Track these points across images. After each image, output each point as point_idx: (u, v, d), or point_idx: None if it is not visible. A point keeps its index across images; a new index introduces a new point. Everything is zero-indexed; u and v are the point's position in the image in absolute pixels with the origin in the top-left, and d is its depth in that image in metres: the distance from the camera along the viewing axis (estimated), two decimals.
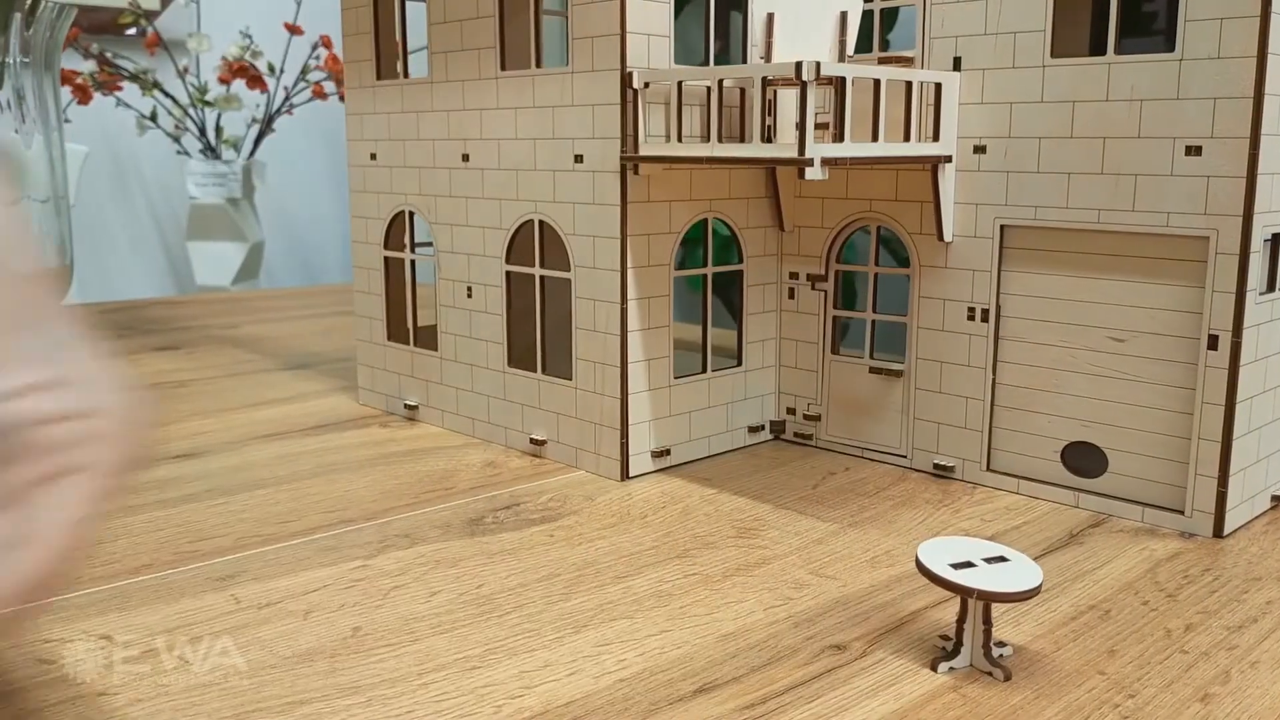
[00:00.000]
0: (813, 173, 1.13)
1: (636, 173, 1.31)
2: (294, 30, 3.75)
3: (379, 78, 1.62)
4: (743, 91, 1.37)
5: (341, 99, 3.71)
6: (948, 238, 1.33)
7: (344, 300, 3.01)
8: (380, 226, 1.65)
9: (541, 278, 1.43)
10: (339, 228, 4.45)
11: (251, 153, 3.87)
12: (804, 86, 1.12)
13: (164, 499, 1.30)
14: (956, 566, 0.90)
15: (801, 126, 1.13)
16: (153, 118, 3.70)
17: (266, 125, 3.84)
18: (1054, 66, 1.23)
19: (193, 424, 1.64)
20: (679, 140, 1.26)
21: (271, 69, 3.77)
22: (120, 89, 3.63)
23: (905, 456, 1.42)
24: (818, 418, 1.50)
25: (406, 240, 1.63)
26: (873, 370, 1.44)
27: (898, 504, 1.29)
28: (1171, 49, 1.15)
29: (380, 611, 1.00)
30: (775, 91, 1.33)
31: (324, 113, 3.97)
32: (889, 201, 1.38)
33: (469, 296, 1.53)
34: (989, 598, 0.87)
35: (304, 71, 3.79)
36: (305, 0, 3.75)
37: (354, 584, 1.06)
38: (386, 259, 1.66)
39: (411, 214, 1.61)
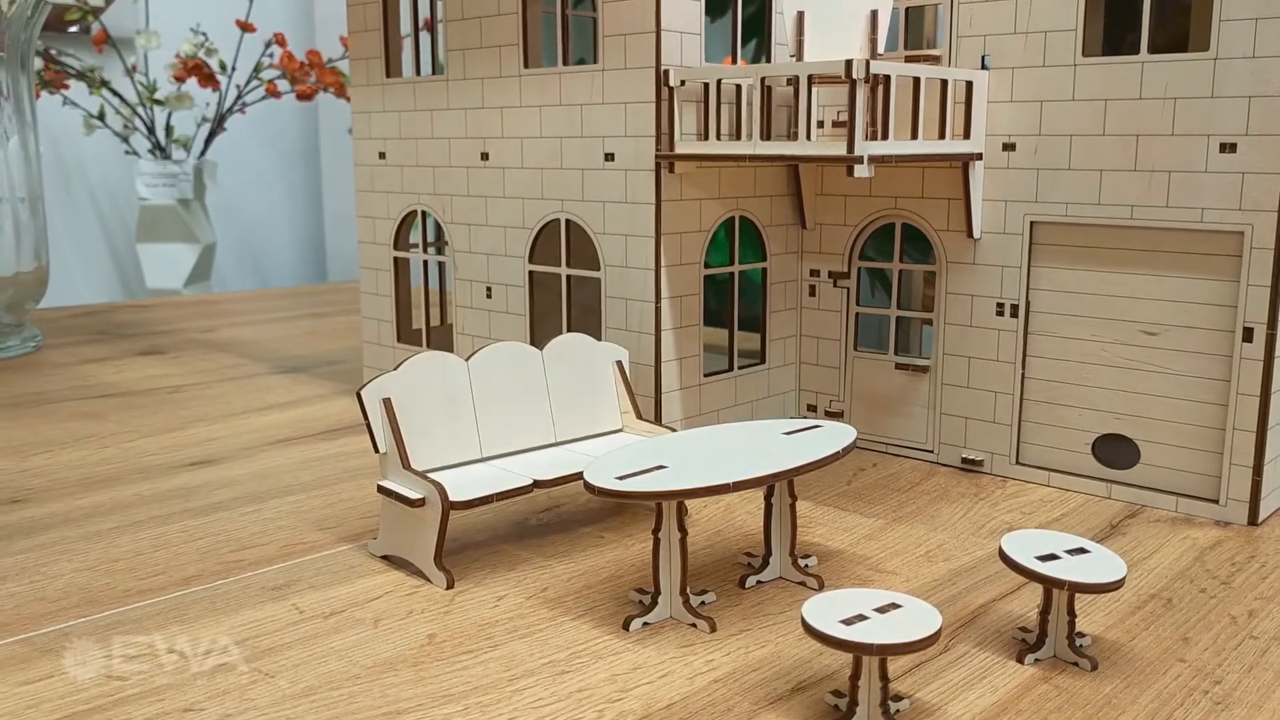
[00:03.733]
0: (861, 170, 1.14)
1: (672, 171, 1.30)
2: (246, 28, 3.67)
3: (388, 75, 1.59)
4: (769, 90, 1.36)
5: (300, 97, 3.66)
6: (977, 234, 1.34)
7: (315, 302, 2.97)
8: (390, 227, 1.63)
9: (568, 277, 1.42)
10: (291, 229, 4.38)
11: (202, 152, 3.79)
12: (853, 85, 1.13)
13: (192, 508, 1.27)
14: (1042, 559, 0.91)
15: (851, 124, 1.14)
16: (100, 117, 3.60)
17: (218, 124, 3.76)
18: (1086, 65, 1.25)
19: (200, 430, 1.60)
20: (718, 138, 1.26)
21: (223, 67, 3.69)
22: (67, 87, 3.52)
23: (932, 451, 1.43)
24: (840, 414, 1.51)
25: (420, 241, 1.61)
26: (898, 366, 1.45)
27: (934, 499, 1.30)
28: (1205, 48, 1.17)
29: (451, 618, 0.99)
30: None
31: (276, 112, 3.90)
32: (915, 199, 1.40)
33: (488, 297, 1.51)
34: (1081, 589, 0.88)
35: (257, 69, 3.71)
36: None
37: (415, 590, 1.05)
38: (396, 259, 1.63)
39: (424, 214, 1.59)
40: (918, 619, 0.80)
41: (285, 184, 4.30)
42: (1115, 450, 1.30)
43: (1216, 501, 1.22)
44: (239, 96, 3.73)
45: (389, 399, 1.08)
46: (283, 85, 3.70)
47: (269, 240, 4.33)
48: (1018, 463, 1.36)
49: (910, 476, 1.38)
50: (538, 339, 1.46)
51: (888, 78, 1.16)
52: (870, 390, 1.49)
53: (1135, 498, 1.28)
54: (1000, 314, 1.35)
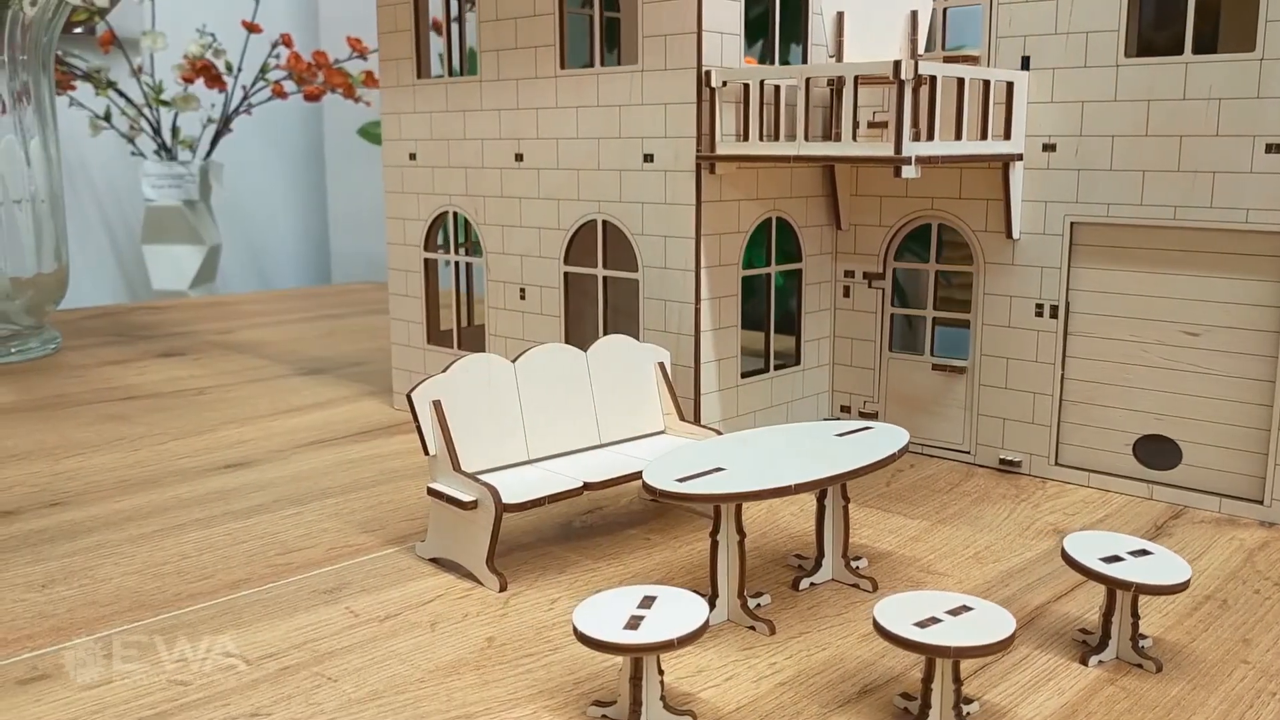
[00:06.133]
0: (909, 171, 1.14)
1: (713, 172, 1.30)
2: (252, 28, 3.66)
3: (419, 76, 1.58)
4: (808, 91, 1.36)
5: (307, 98, 3.65)
6: (1016, 235, 1.34)
7: (325, 304, 2.96)
8: (420, 228, 1.62)
9: (605, 278, 1.42)
10: (295, 230, 4.37)
11: (208, 153, 3.77)
12: (900, 85, 1.12)
13: (232, 510, 1.26)
14: (1106, 560, 0.90)
15: (898, 125, 1.13)
16: (106, 118, 3.58)
17: (224, 125, 3.74)
18: (1128, 66, 1.25)
19: (230, 432, 1.59)
20: (760, 139, 1.25)
21: (229, 68, 3.68)
22: (74, 88, 3.51)
23: (969, 452, 1.43)
24: (875, 415, 1.51)
25: (452, 242, 1.60)
26: (935, 367, 1.45)
27: (976, 500, 1.30)
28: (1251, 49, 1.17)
29: (507, 620, 0.98)
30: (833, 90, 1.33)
31: (281, 113, 3.89)
32: (952, 199, 1.39)
33: (522, 298, 1.50)
34: (1147, 590, 0.88)
35: (263, 70, 3.70)
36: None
37: (468, 593, 1.04)
38: (426, 261, 1.63)
39: (456, 215, 1.58)
40: (990, 621, 0.80)
41: (289, 185, 4.29)
42: (1157, 451, 1.30)
43: (1261, 502, 1.23)
44: (245, 98, 3.72)
45: (439, 401, 1.08)
46: (289, 86, 3.69)
47: (273, 241, 4.31)
48: (1057, 463, 1.36)
49: (949, 478, 1.38)
50: (572, 340, 1.45)
51: (933, 78, 1.16)
52: (905, 391, 1.48)
53: (1177, 498, 1.28)
54: (1039, 315, 1.35)
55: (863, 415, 1.52)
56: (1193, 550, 1.14)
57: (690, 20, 1.27)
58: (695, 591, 0.85)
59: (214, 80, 3.62)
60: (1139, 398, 1.30)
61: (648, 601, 0.82)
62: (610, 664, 0.89)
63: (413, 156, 1.61)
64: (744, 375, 1.41)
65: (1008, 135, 1.31)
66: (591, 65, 1.40)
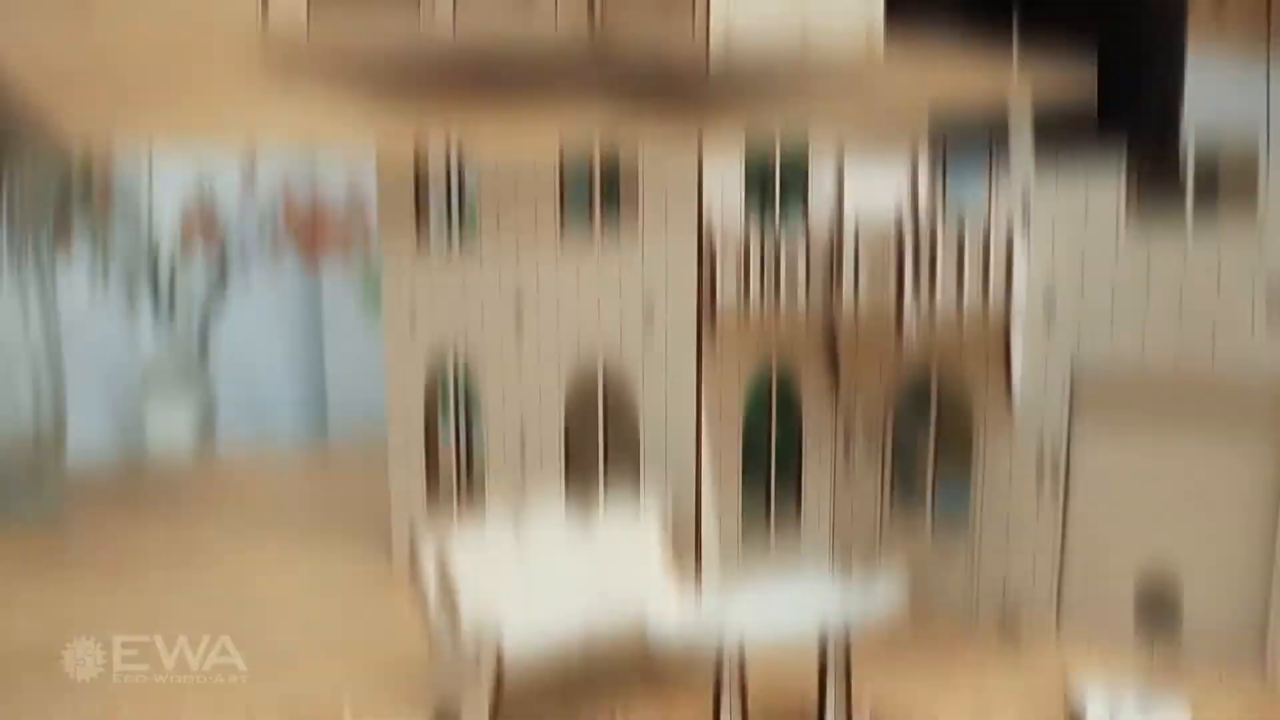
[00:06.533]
0: (910, 330, 1.14)
1: (714, 329, 1.30)
2: (250, 184, 3.72)
3: (419, 240, 1.60)
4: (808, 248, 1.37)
5: (305, 250, 3.69)
6: (1017, 392, 1.33)
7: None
8: (420, 385, 1.62)
9: (605, 430, 1.41)
10: (293, 383, 4.36)
11: (207, 310, 3.79)
12: (901, 243, 1.14)
13: None
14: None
15: (899, 283, 1.14)
16: (104, 275, 3.61)
17: (222, 281, 3.77)
18: (1128, 230, 1.25)
19: None
20: (760, 297, 1.26)
21: (228, 223, 3.72)
22: (73, 246, 3.54)
23: (970, 610, 1.39)
24: (875, 567, 1.48)
25: (452, 399, 1.60)
26: (936, 524, 1.42)
27: (978, 657, 1.26)
28: None
29: None
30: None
31: (279, 268, 3.92)
32: (953, 356, 1.38)
33: (522, 452, 1.49)
34: None
35: (262, 225, 3.75)
36: (263, 158, 3.74)
37: None
38: (427, 418, 1.62)
39: (456, 372, 1.58)
40: None
41: (287, 338, 4.30)
42: (1159, 611, 1.26)
43: (1263, 666, 1.19)
44: (244, 253, 3.75)
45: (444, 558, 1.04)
46: (288, 241, 3.74)
47: (271, 396, 4.30)
48: (1059, 621, 1.32)
49: (950, 635, 1.34)
50: (572, 492, 1.43)
51: (933, 234, 1.17)
52: (905, 548, 1.45)
53: (1180, 657, 1.24)
54: (1040, 473, 1.33)
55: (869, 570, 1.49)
56: (1197, 706, 1.10)
57: (691, 179, 1.29)
58: None
59: (212, 236, 3.66)
60: (1143, 558, 1.27)
61: None
62: None
63: (413, 316, 1.62)
64: (745, 529, 1.39)
65: (1008, 289, 1.31)
66: (591, 223, 1.41)
